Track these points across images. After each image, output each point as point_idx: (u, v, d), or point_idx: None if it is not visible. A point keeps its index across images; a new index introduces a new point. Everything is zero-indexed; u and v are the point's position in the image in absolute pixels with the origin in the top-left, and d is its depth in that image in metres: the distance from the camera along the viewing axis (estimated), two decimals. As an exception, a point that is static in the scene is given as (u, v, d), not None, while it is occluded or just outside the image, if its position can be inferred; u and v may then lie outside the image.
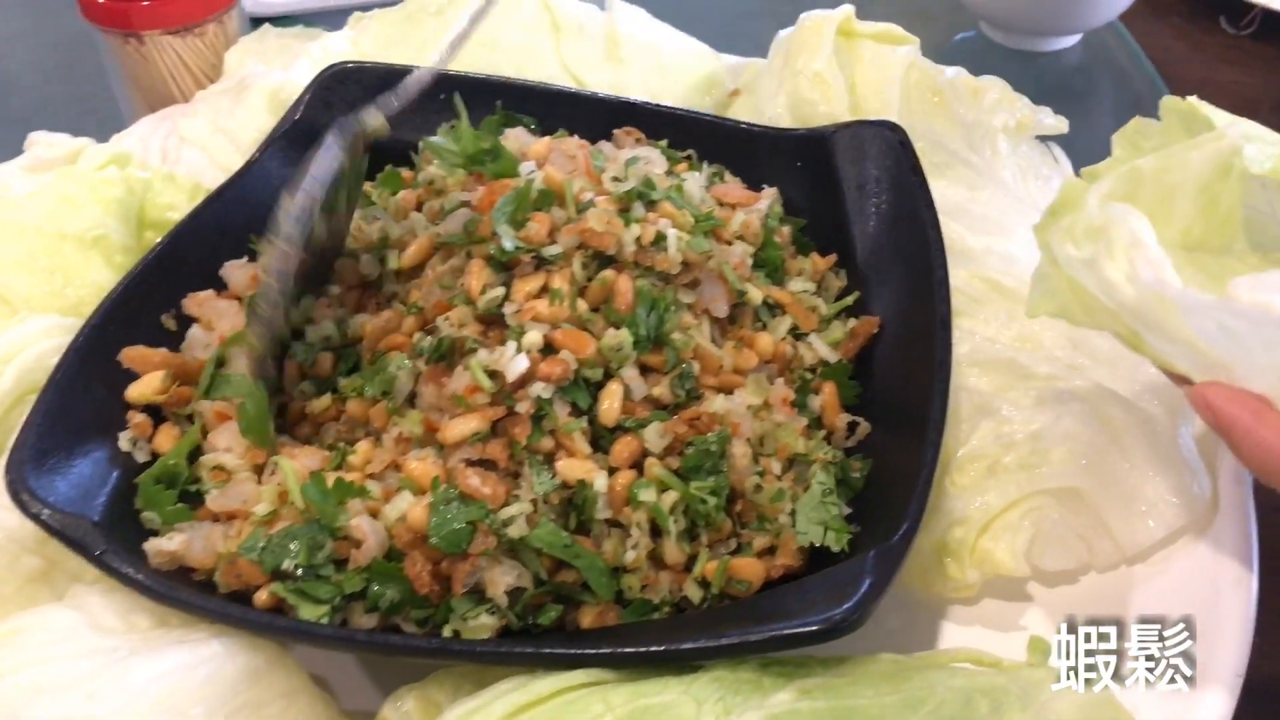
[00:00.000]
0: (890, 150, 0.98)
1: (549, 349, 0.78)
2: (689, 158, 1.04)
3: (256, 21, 1.54)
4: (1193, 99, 0.72)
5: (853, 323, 0.92)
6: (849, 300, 0.94)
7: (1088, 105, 1.53)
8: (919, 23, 1.69)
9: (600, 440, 0.79)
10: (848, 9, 1.13)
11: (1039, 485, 0.85)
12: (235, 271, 0.94)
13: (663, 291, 0.84)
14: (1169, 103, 0.74)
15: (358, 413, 0.82)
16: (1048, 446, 0.86)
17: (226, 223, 0.99)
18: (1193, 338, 0.60)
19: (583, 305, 0.81)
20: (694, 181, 0.94)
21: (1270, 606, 0.85)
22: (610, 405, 0.78)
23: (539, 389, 0.76)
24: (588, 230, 0.83)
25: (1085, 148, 1.43)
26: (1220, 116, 0.70)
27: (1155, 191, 0.67)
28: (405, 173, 1.05)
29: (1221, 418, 0.64)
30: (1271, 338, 0.57)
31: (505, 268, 0.83)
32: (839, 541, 0.77)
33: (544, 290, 0.81)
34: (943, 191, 1.03)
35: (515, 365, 0.75)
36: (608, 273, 0.83)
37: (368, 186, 1.00)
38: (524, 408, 0.76)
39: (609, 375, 0.79)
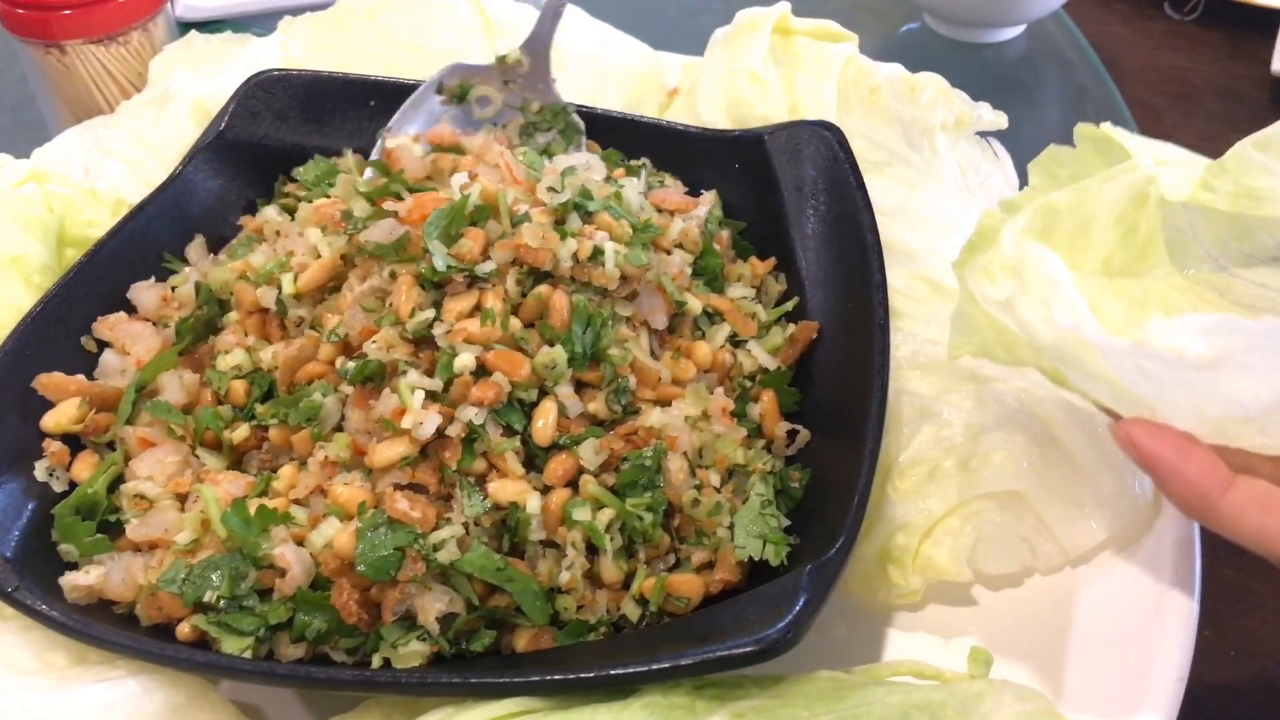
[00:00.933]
0: (827, 151, 0.97)
1: (481, 370, 0.76)
2: (626, 163, 1.02)
3: (186, 27, 1.51)
4: (1106, 125, 0.72)
5: (792, 328, 0.91)
6: (788, 306, 0.93)
7: (1033, 97, 1.52)
8: (864, 16, 1.69)
9: (535, 459, 0.77)
10: (784, 7, 1.12)
11: (980, 489, 0.84)
12: (145, 293, 0.92)
13: (599, 306, 0.82)
14: (1083, 130, 0.73)
15: (280, 440, 0.79)
16: (989, 449, 0.85)
17: (148, 239, 0.96)
18: (1113, 378, 0.59)
19: (516, 323, 0.78)
20: (632, 188, 0.92)
21: (1212, 605, 0.85)
22: (544, 425, 0.76)
23: (471, 414, 0.74)
24: (523, 246, 0.80)
25: (1031, 140, 1.42)
26: (1133, 142, 0.70)
27: (1072, 223, 0.67)
28: (291, 186, 1.03)
29: (1146, 455, 0.63)
30: (1188, 379, 0.56)
31: (436, 286, 0.81)
32: (778, 555, 0.76)
33: (476, 309, 0.79)
34: (882, 190, 1.02)
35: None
36: (543, 288, 0.81)
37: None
38: (455, 431, 0.73)
39: (544, 393, 0.77)
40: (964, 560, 0.83)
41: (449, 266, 0.79)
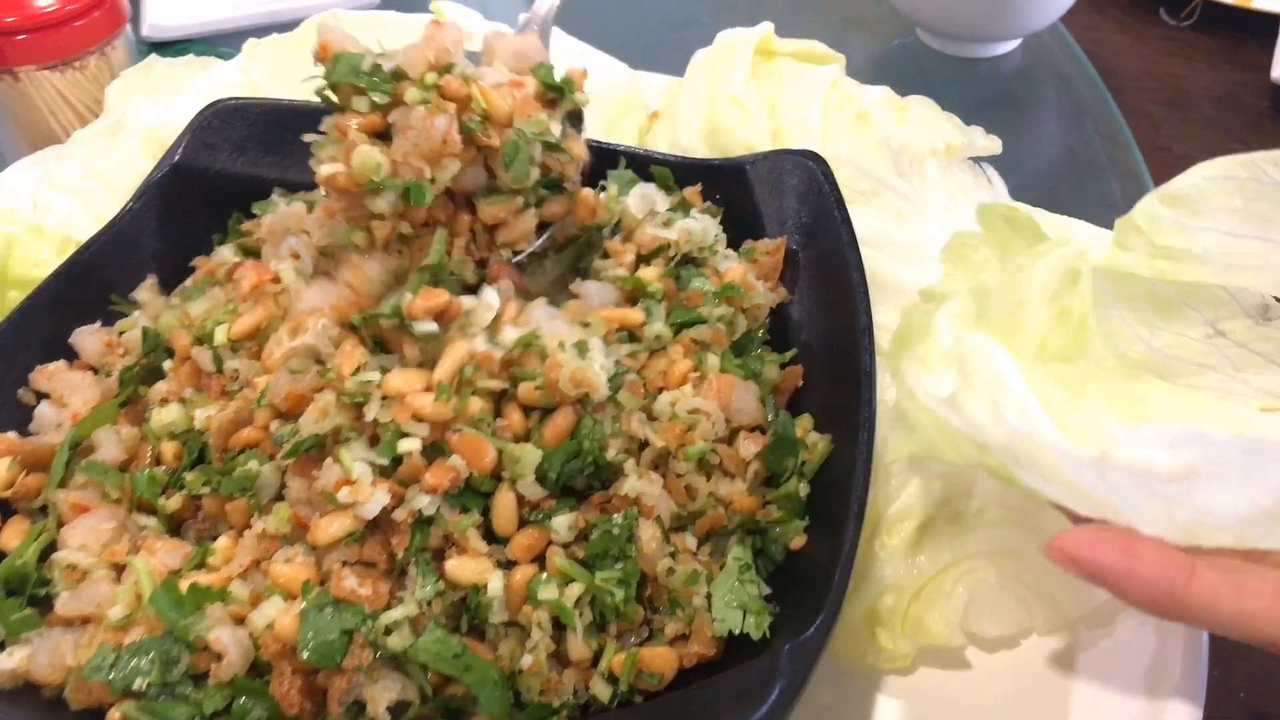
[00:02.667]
0: (811, 183, 0.92)
1: (435, 449, 0.70)
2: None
3: (154, 47, 1.46)
4: (1009, 203, 0.69)
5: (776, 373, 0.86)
6: (785, 357, 0.87)
7: (1030, 112, 1.47)
8: (855, 30, 1.65)
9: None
10: (766, 28, 1.07)
11: (973, 546, 0.80)
12: (88, 339, 0.86)
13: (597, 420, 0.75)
14: (988, 209, 0.71)
15: (215, 510, 0.74)
16: (983, 504, 0.81)
17: (95, 281, 0.91)
18: (1071, 481, 0.55)
19: (476, 402, 0.72)
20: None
21: (1220, 644, 0.80)
22: (504, 516, 0.71)
23: (422, 502, 0.68)
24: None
25: (1028, 157, 1.38)
26: (1041, 215, 0.67)
27: (1004, 307, 0.64)
28: (249, 224, 0.97)
29: (1091, 568, 0.56)
30: (1155, 489, 0.51)
31: (384, 349, 0.76)
32: (759, 627, 0.71)
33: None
34: (870, 221, 0.97)
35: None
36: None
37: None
38: (402, 515, 0.68)
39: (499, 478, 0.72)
40: (956, 624, 0.78)
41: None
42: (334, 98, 0.81)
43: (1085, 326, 0.66)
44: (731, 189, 0.96)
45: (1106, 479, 0.52)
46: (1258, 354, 0.67)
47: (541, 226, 0.86)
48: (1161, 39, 1.81)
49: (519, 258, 0.85)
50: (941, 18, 1.44)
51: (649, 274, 0.86)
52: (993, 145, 1.05)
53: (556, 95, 0.87)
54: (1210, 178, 0.63)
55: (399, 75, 0.80)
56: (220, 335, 0.81)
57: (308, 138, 0.82)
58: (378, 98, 0.79)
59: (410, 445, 0.70)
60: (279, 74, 1.13)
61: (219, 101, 1.01)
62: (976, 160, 1.08)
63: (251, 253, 0.93)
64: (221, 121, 1.00)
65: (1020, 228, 0.68)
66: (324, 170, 0.79)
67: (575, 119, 0.89)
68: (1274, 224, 0.63)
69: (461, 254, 0.83)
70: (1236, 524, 0.51)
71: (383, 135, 0.80)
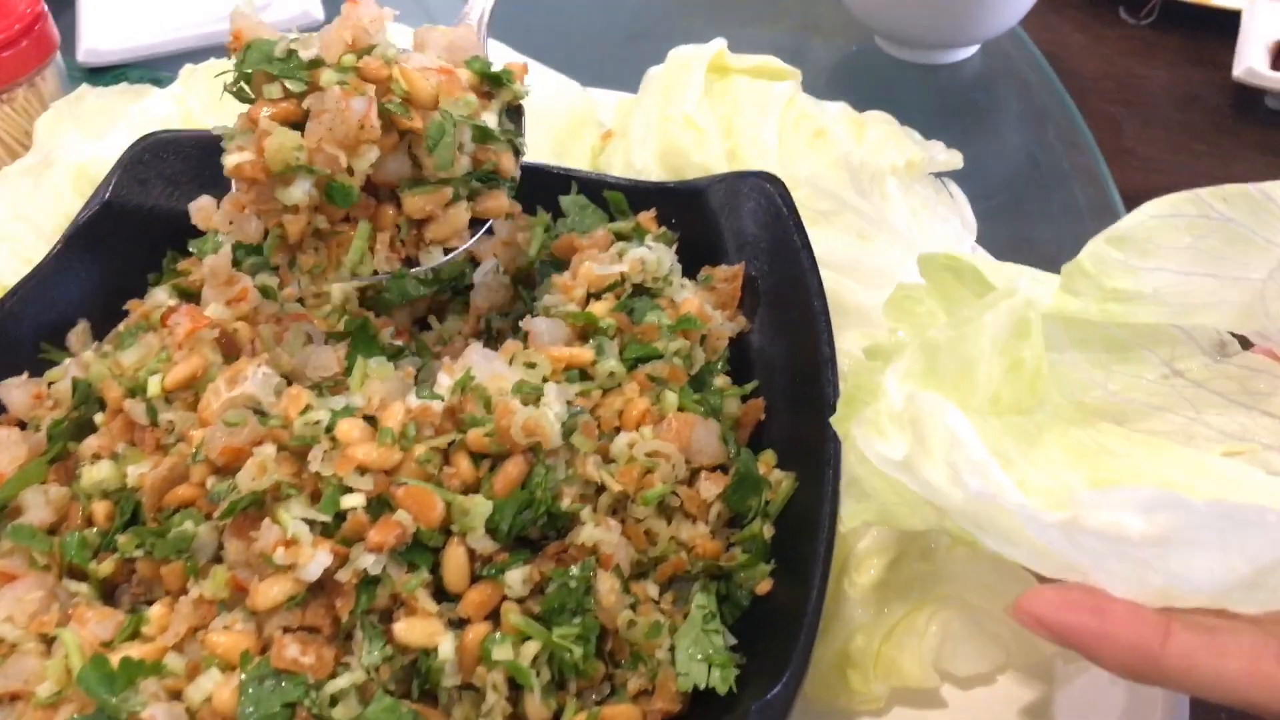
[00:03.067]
0: (769, 206, 0.89)
1: (380, 504, 0.67)
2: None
3: (93, 73, 1.42)
4: (949, 252, 0.68)
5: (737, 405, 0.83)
6: (747, 389, 0.84)
7: (991, 119, 1.45)
8: (812, 37, 1.62)
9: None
10: (719, 44, 1.04)
11: (945, 584, 0.77)
12: (15, 391, 0.82)
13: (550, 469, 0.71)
14: (930, 259, 0.69)
15: (149, 574, 0.70)
16: (953, 540, 0.78)
17: (22, 328, 0.87)
18: (1038, 545, 0.52)
19: (422, 449, 0.69)
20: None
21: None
22: (455, 572, 0.67)
23: (367, 561, 0.65)
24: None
25: (991, 165, 1.36)
26: (986, 264, 0.66)
27: (953, 363, 0.61)
28: (185, 263, 0.93)
29: (1061, 630, 0.53)
30: (1125, 552, 0.49)
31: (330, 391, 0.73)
32: (725, 681, 0.68)
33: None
34: (830, 243, 0.94)
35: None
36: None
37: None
38: (346, 576, 0.65)
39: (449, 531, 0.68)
40: (929, 664, 0.76)
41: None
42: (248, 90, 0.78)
43: (1039, 376, 0.63)
44: (687, 213, 0.93)
45: (1075, 543, 0.50)
46: (1216, 393, 0.65)
47: (477, 223, 0.83)
48: (1121, 38, 1.80)
49: (452, 255, 0.82)
50: (899, 25, 1.42)
51: (600, 309, 0.83)
52: (953, 160, 1.03)
53: (493, 88, 0.83)
54: (1157, 216, 0.61)
55: (316, 64, 0.77)
56: (154, 386, 0.77)
57: (215, 129, 0.78)
58: (292, 85, 0.75)
59: (354, 501, 0.67)
60: (216, 102, 1.09)
61: (151, 135, 0.97)
62: (938, 175, 1.05)
63: (188, 294, 0.89)
64: (154, 155, 0.96)
65: (965, 278, 0.66)
66: (232, 159, 0.76)
67: (515, 115, 0.86)
68: (1225, 260, 0.61)
69: (386, 250, 0.80)
70: (1213, 591, 0.49)
71: (298, 126, 0.76)
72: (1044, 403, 0.64)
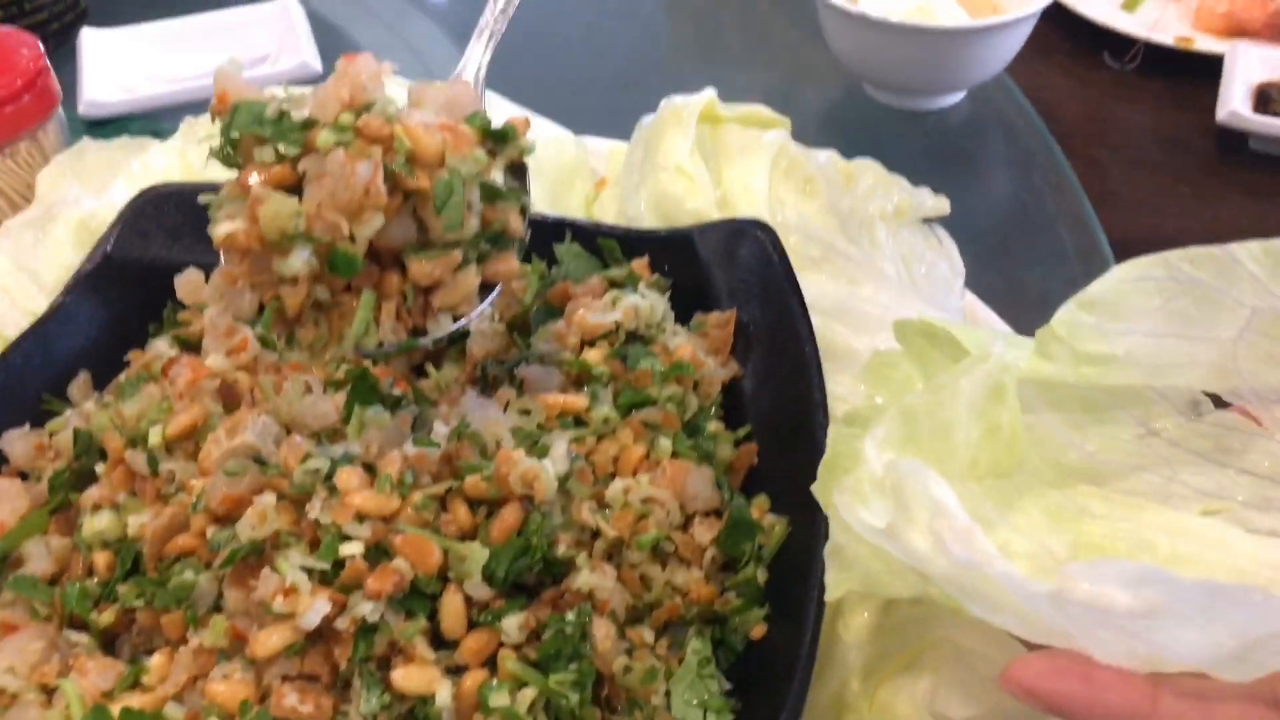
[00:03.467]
0: (761, 253, 0.91)
1: (379, 551, 0.68)
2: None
3: (94, 125, 1.44)
4: (925, 317, 0.69)
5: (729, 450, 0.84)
6: (740, 433, 0.85)
7: (978, 164, 1.48)
8: (801, 85, 1.65)
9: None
10: (709, 94, 1.06)
11: (939, 625, 0.77)
12: (16, 443, 0.83)
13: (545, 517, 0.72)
14: (904, 325, 0.69)
15: (149, 623, 0.71)
16: (946, 580, 0.79)
17: (25, 380, 0.88)
18: (1024, 612, 0.53)
19: (417, 495, 0.70)
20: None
21: None
22: (452, 619, 0.68)
23: (365, 609, 0.65)
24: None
25: (979, 209, 1.38)
26: (961, 329, 0.67)
27: (931, 429, 0.62)
28: (185, 314, 0.94)
29: (1050, 699, 0.53)
30: (1113, 624, 0.50)
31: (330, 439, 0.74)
32: (720, 728, 0.68)
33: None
34: (821, 288, 0.96)
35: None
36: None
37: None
38: (345, 624, 0.65)
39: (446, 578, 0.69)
40: (924, 706, 0.76)
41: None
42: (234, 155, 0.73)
43: (1016, 439, 0.64)
44: (680, 260, 0.95)
45: (1063, 611, 0.50)
46: (1192, 452, 0.66)
47: (485, 288, 0.78)
48: (1106, 83, 1.83)
49: (461, 323, 0.78)
50: (886, 73, 1.44)
51: (594, 356, 0.84)
52: (941, 206, 1.05)
53: (496, 145, 0.78)
54: (1126, 280, 0.62)
55: (310, 124, 0.71)
56: (155, 436, 0.78)
57: (203, 198, 0.73)
58: (285, 148, 0.70)
59: (352, 548, 0.67)
60: (216, 155, 1.11)
61: (152, 188, 0.99)
62: (926, 220, 1.07)
63: (188, 345, 0.90)
64: (155, 208, 0.98)
65: (940, 343, 0.67)
66: (222, 229, 0.70)
67: (519, 173, 0.82)
68: (1195, 321, 0.62)
69: (392, 321, 0.74)
70: (1199, 662, 0.50)
71: (293, 190, 0.71)
72: (1022, 465, 0.65)
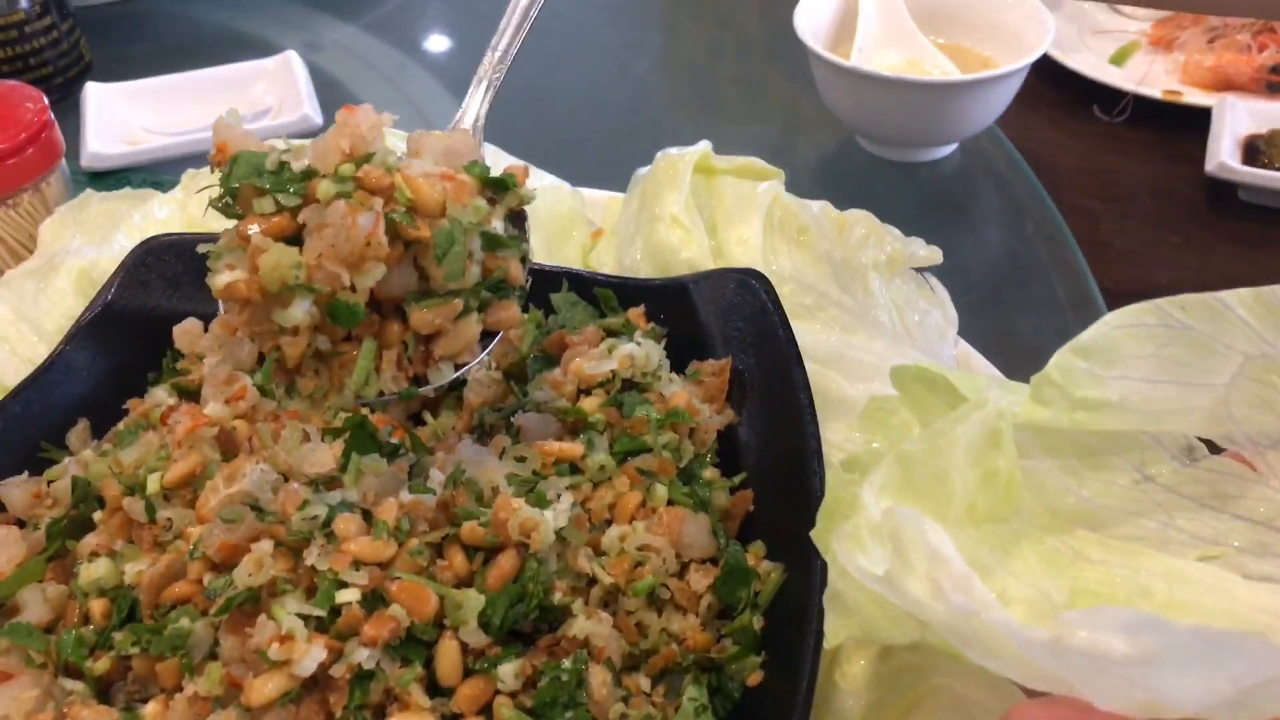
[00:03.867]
0: (755, 301, 0.92)
1: (375, 598, 0.68)
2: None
3: (96, 176, 1.45)
4: (920, 362, 0.69)
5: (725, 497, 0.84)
6: (735, 480, 0.86)
7: (970, 215, 1.49)
8: (796, 136, 1.67)
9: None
10: (704, 146, 1.08)
11: (936, 672, 0.77)
12: (14, 490, 0.83)
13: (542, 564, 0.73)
14: (901, 371, 0.70)
15: (145, 671, 0.71)
16: (943, 627, 0.79)
17: (25, 429, 0.88)
18: (1021, 658, 0.53)
19: (416, 542, 0.71)
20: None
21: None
22: (449, 667, 0.68)
23: (361, 655, 0.65)
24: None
25: (971, 260, 1.40)
26: (957, 375, 0.67)
27: (929, 475, 0.62)
28: (184, 362, 0.95)
29: None
30: (1111, 671, 0.50)
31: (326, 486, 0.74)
32: (716, 775, 0.68)
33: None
34: (816, 336, 0.97)
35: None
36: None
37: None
38: (340, 671, 0.65)
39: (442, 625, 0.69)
40: (922, 755, 0.76)
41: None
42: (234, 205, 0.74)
43: (1013, 485, 0.65)
44: (675, 309, 0.96)
45: (1061, 658, 0.51)
46: (1187, 497, 0.66)
47: (486, 335, 0.79)
48: (1096, 135, 1.85)
49: (462, 372, 0.78)
50: (879, 126, 1.46)
51: (590, 404, 0.85)
52: (933, 256, 1.06)
53: (495, 193, 0.79)
54: (1119, 327, 0.63)
55: (310, 174, 0.72)
56: (153, 483, 0.79)
57: (202, 248, 0.73)
58: (285, 199, 0.70)
59: (349, 595, 0.68)
60: (217, 206, 1.12)
61: (153, 238, 1.00)
62: (919, 270, 1.08)
63: (187, 393, 0.91)
64: (155, 258, 0.99)
65: (937, 388, 0.68)
66: (221, 279, 0.70)
67: (518, 221, 0.83)
68: (1188, 367, 0.63)
69: (393, 370, 0.75)
70: (1197, 709, 0.50)
71: (293, 241, 0.72)
72: (1019, 511, 0.65)
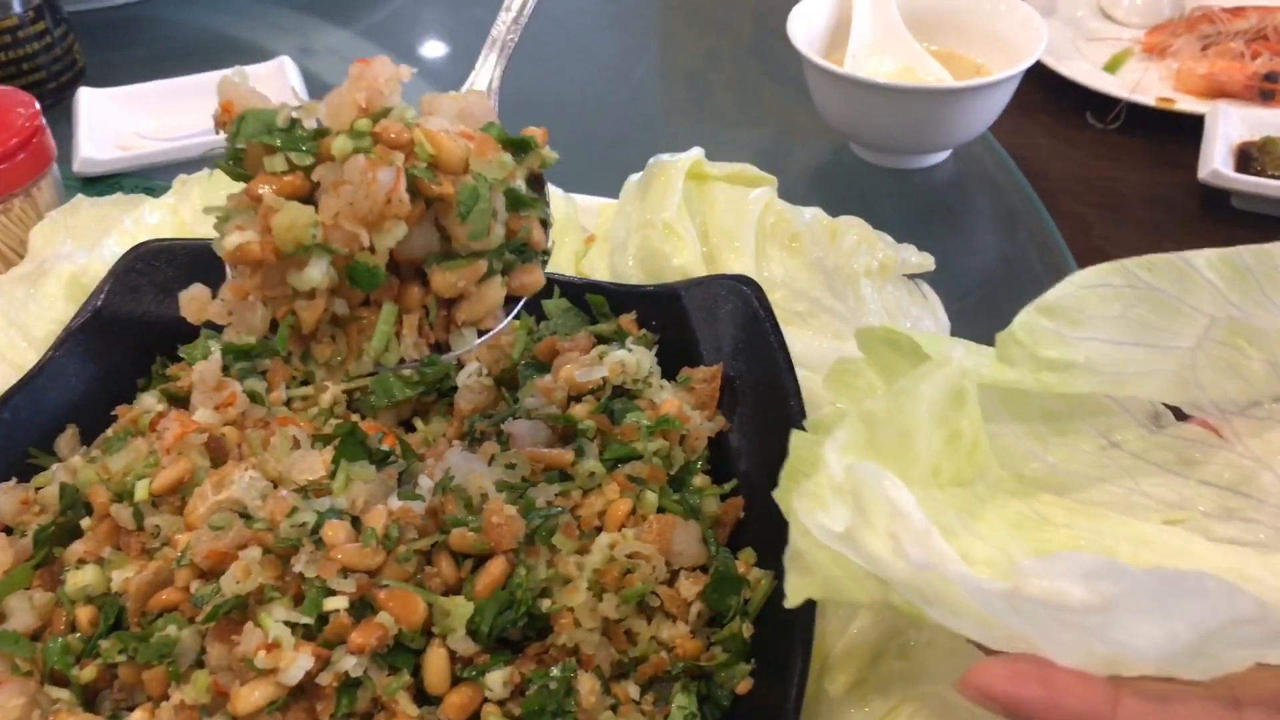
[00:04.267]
0: (746, 308, 0.91)
1: (363, 605, 0.68)
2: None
3: (88, 181, 1.45)
4: (886, 324, 0.67)
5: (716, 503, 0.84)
6: (726, 488, 0.86)
7: (963, 221, 1.49)
8: (789, 143, 1.67)
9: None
10: (696, 153, 1.08)
11: (924, 681, 0.77)
12: (2, 497, 0.83)
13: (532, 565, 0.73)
14: (866, 333, 0.68)
15: (131, 678, 0.71)
16: (931, 635, 0.78)
17: (13, 435, 0.88)
18: (982, 615, 0.52)
19: (402, 549, 0.70)
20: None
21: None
22: (436, 675, 0.68)
23: (349, 663, 0.65)
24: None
25: (965, 266, 1.40)
26: (919, 336, 0.65)
27: (893, 434, 0.60)
28: (174, 368, 0.94)
29: (1009, 703, 0.52)
30: (1070, 621, 0.49)
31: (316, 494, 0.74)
32: (706, 785, 0.68)
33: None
34: (808, 343, 0.97)
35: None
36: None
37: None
38: (327, 680, 0.65)
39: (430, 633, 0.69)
40: (912, 764, 0.76)
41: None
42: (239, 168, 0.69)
43: (978, 447, 0.63)
44: (666, 315, 0.96)
45: (1020, 611, 0.50)
46: (1154, 464, 0.65)
47: (508, 303, 0.74)
48: (1090, 142, 1.85)
49: (485, 338, 0.74)
50: (873, 134, 1.46)
51: (581, 411, 0.85)
52: (925, 262, 1.06)
53: (516, 155, 0.74)
54: (1086, 286, 0.62)
55: (322, 134, 0.68)
56: (141, 490, 0.79)
57: (206, 209, 0.70)
58: (297, 157, 0.66)
59: (337, 603, 0.67)
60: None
61: (143, 244, 1.00)
62: (911, 276, 1.08)
63: (176, 399, 0.91)
64: (146, 264, 0.99)
65: (902, 350, 0.66)
66: (232, 240, 0.65)
67: (538, 186, 0.79)
68: (1154, 329, 0.62)
69: (414, 336, 0.70)
70: (1157, 658, 0.49)
71: (305, 202, 0.67)
72: (984, 475, 0.64)
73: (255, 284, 0.67)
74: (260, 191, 0.65)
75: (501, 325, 0.74)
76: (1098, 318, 0.63)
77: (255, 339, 0.69)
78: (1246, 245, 0.63)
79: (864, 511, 0.54)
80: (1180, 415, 0.67)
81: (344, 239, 0.65)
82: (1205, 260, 0.62)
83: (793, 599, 0.61)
